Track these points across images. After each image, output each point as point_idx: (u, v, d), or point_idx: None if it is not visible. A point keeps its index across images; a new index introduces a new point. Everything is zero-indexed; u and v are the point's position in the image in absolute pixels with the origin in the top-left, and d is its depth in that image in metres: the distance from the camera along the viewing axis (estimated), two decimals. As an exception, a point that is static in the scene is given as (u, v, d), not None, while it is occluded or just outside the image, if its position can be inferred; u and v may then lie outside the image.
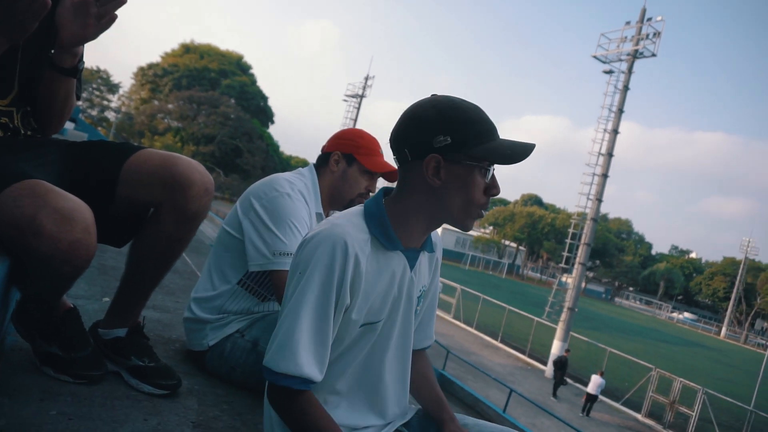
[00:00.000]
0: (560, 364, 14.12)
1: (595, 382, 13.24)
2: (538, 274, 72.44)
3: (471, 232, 52.61)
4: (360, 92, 36.23)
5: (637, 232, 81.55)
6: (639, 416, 14.46)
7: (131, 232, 1.35)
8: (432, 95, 1.03)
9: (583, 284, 22.51)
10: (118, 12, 1.12)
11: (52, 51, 1.17)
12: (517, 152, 0.98)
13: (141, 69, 50.81)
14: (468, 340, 18.68)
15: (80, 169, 1.24)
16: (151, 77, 49.72)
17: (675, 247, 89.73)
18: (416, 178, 1.00)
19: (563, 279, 23.96)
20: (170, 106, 46.62)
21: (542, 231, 61.72)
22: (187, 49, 51.79)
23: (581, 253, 18.75)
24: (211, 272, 1.62)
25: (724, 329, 58.81)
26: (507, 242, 65.91)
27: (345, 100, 36.97)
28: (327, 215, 1.74)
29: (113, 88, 50.94)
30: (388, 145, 1.07)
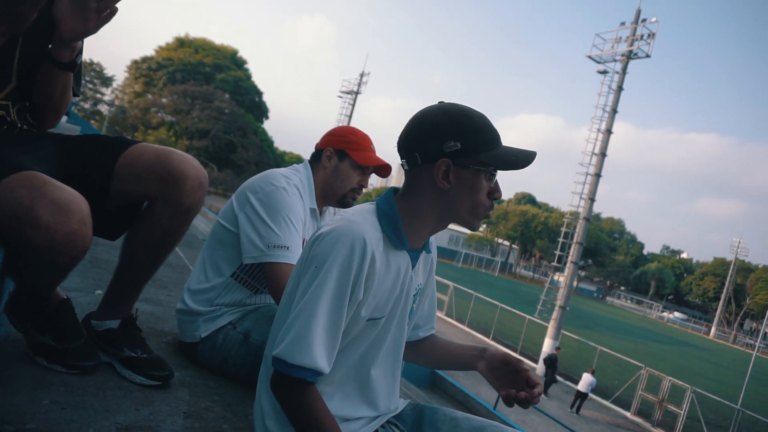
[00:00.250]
0: (550, 362, 14.22)
1: (586, 380, 13.33)
2: (531, 273, 72.85)
3: (464, 230, 52.75)
4: (355, 89, 36.05)
5: (630, 232, 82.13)
6: (628, 414, 14.58)
7: (125, 225, 1.36)
8: (440, 102, 1.07)
9: (575, 283, 22.64)
10: (118, 5, 1.11)
11: (50, 45, 1.17)
12: (521, 159, 1.04)
13: (135, 62, 50.21)
14: (460, 338, 18.72)
15: (75, 162, 1.25)
16: (145, 71, 49.17)
17: (666, 247, 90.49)
18: (426, 181, 1.05)
19: (555, 277, 24.07)
20: (164, 100, 46.17)
21: (535, 230, 61.99)
22: (181, 42, 51.26)
23: (573, 252, 18.88)
24: (205, 265, 1.63)
25: (713, 329, 59.35)
26: (500, 240, 66.20)
27: (340, 97, 36.80)
28: (321, 211, 1.76)
29: (106, 81, 50.29)
30: (396, 148, 1.10)
